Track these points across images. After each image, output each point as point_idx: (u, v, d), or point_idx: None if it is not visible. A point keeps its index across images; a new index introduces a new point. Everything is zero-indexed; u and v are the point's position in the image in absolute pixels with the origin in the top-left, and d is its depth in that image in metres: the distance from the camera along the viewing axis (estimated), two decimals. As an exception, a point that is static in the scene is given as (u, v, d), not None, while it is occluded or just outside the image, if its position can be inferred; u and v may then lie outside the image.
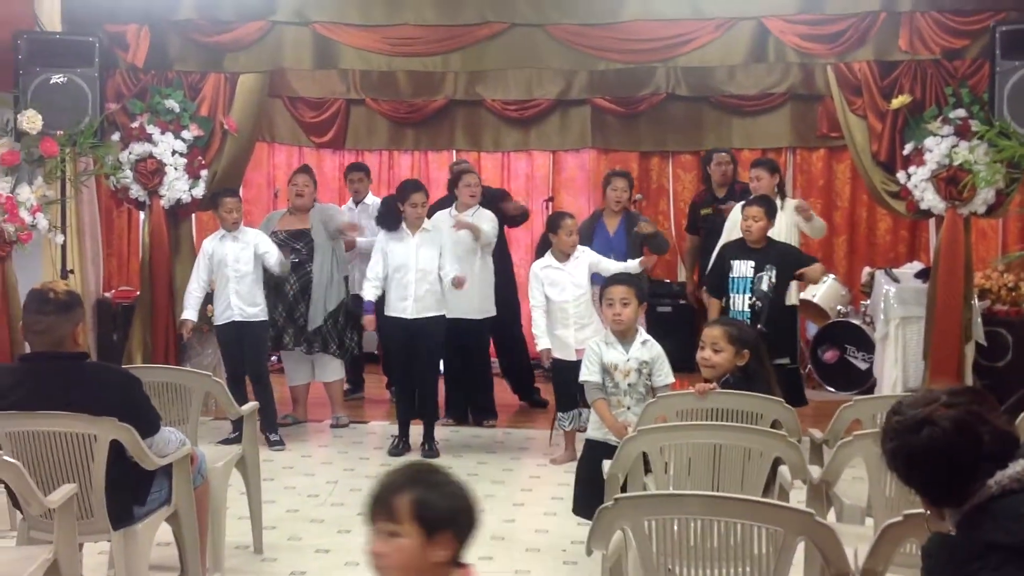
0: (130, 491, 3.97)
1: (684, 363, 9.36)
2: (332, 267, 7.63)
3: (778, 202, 7.35)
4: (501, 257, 8.03)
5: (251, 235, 7.19)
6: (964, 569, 2.04)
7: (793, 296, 7.09)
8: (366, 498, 2.43)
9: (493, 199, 8.05)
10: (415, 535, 2.32)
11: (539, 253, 7.14)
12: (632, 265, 6.81)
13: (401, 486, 2.38)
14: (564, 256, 6.78)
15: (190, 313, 7.10)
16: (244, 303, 7.08)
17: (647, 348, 5.19)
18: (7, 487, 3.70)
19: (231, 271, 7.06)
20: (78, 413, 3.74)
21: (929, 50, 6.92)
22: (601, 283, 6.07)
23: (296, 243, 7.57)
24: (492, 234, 7.57)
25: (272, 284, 7.41)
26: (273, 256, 7.10)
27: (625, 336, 5.20)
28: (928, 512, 2.25)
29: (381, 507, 2.38)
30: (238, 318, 7.08)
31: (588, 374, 5.16)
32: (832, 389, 9.03)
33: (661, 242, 7.75)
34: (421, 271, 6.95)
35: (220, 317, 7.12)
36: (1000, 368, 7.66)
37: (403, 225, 6.97)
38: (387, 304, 7.07)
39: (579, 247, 6.85)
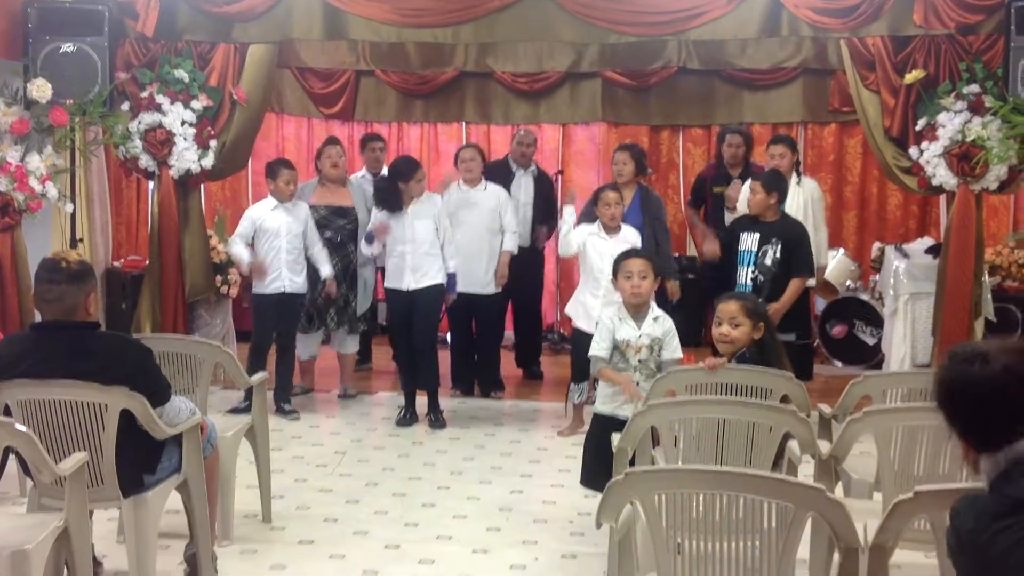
0: (140, 459, 3.98)
1: (692, 337, 9.44)
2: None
3: (794, 178, 7.33)
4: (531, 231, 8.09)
5: (303, 210, 7.25)
6: (993, 526, 2.03)
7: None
8: None
9: (552, 185, 8.07)
10: None
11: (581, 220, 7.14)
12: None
13: None
14: (610, 229, 6.75)
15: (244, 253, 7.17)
16: (294, 275, 7.15)
17: (659, 324, 5.18)
18: (18, 455, 3.72)
19: (284, 242, 7.11)
20: (89, 382, 3.75)
21: (943, 25, 6.87)
22: None
23: (339, 220, 7.56)
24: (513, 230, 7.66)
25: (313, 264, 7.39)
26: (328, 264, 7.29)
27: (639, 311, 5.20)
28: (965, 462, 2.23)
29: None
30: (288, 289, 7.12)
31: (597, 349, 5.15)
32: (840, 364, 9.04)
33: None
34: (417, 243, 6.98)
35: (267, 287, 7.13)
36: (1009, 345, 7.65)
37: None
38: (386, 276, 7.15)
39: (628, 228, 6.80)
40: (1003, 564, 1.99)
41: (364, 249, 7.25)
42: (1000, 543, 2.00)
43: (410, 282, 6.99)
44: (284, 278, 7.12)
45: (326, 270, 7.28)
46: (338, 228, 7.55)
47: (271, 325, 7.18)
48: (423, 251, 7.00)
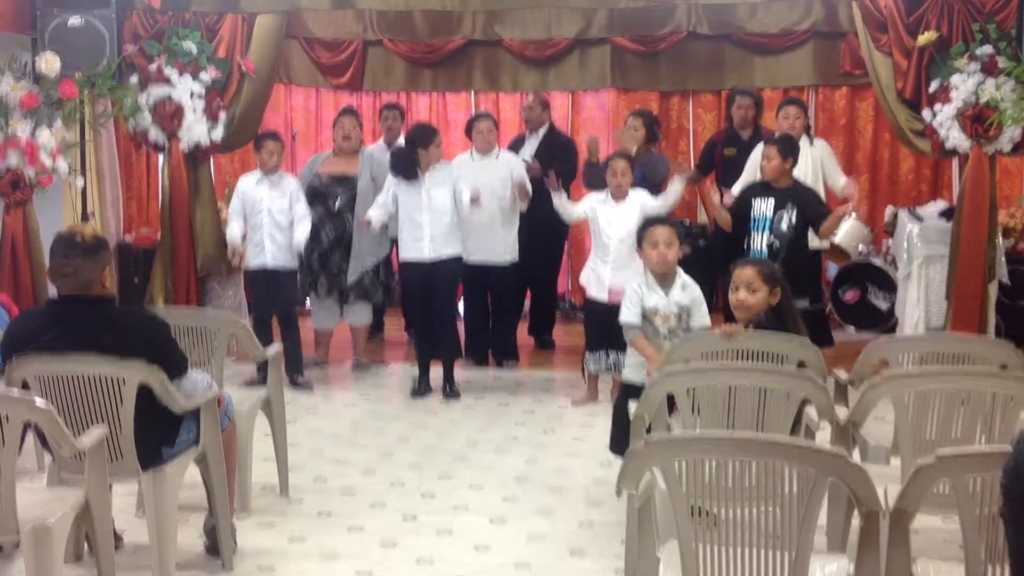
0: (159, 433, 3.99)
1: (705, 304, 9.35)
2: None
3: (805, 141, 7.28)
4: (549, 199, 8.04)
5: (289, 184, 7.13)
6: None
7: (819, 240, 6.99)
8: None
9: (564, 147, 8.01)
10: None
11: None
12: (674, 189, 6.77)
13: None
14: (617, 196, 6.73)
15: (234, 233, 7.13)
16: (278, 248, 7.07)
17: (687, 292, 5.17)
18: (37, 430, 3.73)
19: (266, 217, 7.04)
20: (107, 356, 3.75)
21: (956, -15, 6.81)
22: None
23: (337, 188, 7.48)
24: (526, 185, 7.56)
25: (311, 229, 7.32)
26: (304, 233, 7.05)
27: (665, 279, 5.18)
28: None
29: None
30: (271, 264, 7.06)
31: (628, 315, 5.14)
32: (852, 329, 9.02)
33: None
34: (435, 211, 6.92)
35: (252, 261, 7.12)
36: (1023, 307, 7.64)
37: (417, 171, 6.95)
38: (402, 247, 7.08)
39: (636, 192, 6.76)
40: None
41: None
42: None
43: (429, 252, 6.95)
44: (267, 252, 7.04)
45: (298, 235, 7.05)
46: (336, 196, 7.49)
47: (263, 298, 7.16)
48: (442, 220, 6.94)
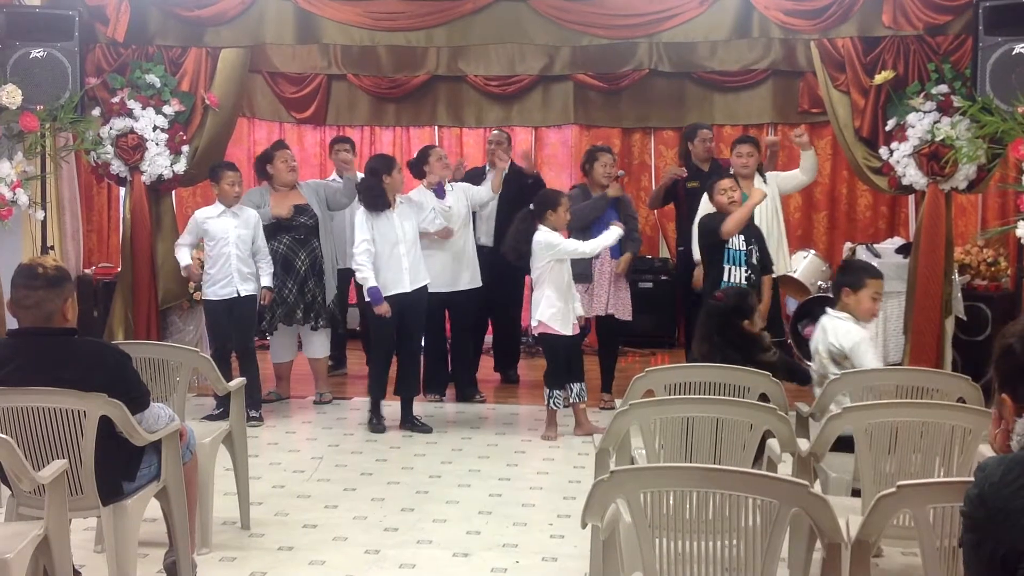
0: (120, 467, 3.95)
1: (666, 339, 9.47)
2: (331, 243, 7.66)
3: (758, 179, 7.39)
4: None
5: (251, 216, 7.14)
6: (1019, 480, 2.06)
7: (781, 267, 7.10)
8: None
9: (515, 182, 8.10)
10: None
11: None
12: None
13: None
14: (565, 232, 6.80)
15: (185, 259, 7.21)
16: (243, 279, 7.07)
17: None
18: (-4, 463, 3.68)
19: (233, 248, 7.03)
20: (68, 389, 3.72)
21: (912, 26, 6.93)
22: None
23: (301, 217, 7.50)
24: (482, 197, 7.73)
25: (281, 260, 7.40)
26: (269, 277, 7.20)
27: None
28: (993, 440, 2.30)
29: None
30: (241, 293, 7.07)
31: None
32: (812, 364, 9.06)
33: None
34: (408, 244, 6.95)
35: (218, 293, 7.07)
36: (979, 342, 7.73)
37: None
38: (385, 283, 6.93)
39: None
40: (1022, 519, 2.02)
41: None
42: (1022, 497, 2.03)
43: (409, 284, 6.95)
44: (235, 283, 7.05)
45: (266, 280, 7.18)
46: (300, 225, 7.50)
47: (224, 330, 7.12)
48: (414, 251, 6.98)
